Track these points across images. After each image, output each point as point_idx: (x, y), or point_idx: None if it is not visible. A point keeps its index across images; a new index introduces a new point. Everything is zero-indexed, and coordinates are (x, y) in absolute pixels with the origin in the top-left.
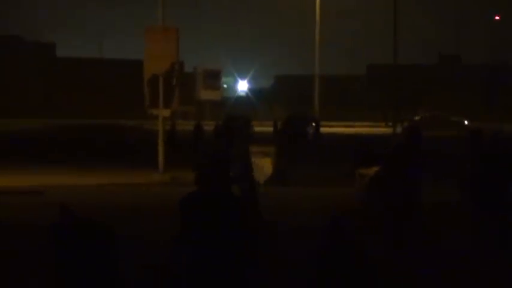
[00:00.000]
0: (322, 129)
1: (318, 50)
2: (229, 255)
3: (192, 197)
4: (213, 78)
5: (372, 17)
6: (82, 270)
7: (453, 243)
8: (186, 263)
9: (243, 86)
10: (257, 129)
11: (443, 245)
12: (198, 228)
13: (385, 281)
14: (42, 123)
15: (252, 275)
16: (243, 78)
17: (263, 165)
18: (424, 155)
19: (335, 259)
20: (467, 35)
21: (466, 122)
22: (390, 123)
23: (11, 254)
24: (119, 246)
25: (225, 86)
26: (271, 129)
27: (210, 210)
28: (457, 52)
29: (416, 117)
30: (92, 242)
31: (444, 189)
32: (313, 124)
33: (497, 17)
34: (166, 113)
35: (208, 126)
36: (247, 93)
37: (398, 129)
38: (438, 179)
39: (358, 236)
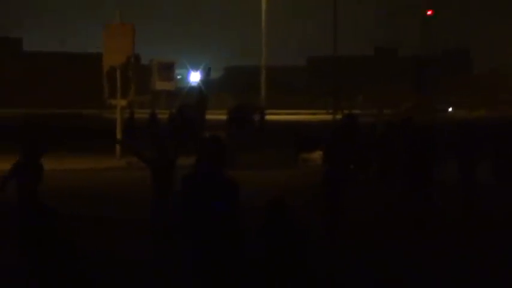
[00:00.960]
0: (269, 117)
1: (264, 44)
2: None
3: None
4: (167, 69)
5: (313, 11)
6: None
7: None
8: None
9: (195, 77)
10: (208, 117)
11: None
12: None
13: (324, 256)
14: (9, 113)
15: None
16: (195, 69)
17: None
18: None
19: (275, 236)
20: (404, 28)
21: (450, 109)
22: (330, 111)
23: None
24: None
25: (179, 77)
26: (220, 117)
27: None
28: (394, 45)
29: (403, 106)
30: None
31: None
32: (259, 112)
33: (429, 12)
34: (123, 102)
35: (163, 114)
36: (199, 84)
37: (338, 117)
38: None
39: (298, 215)
